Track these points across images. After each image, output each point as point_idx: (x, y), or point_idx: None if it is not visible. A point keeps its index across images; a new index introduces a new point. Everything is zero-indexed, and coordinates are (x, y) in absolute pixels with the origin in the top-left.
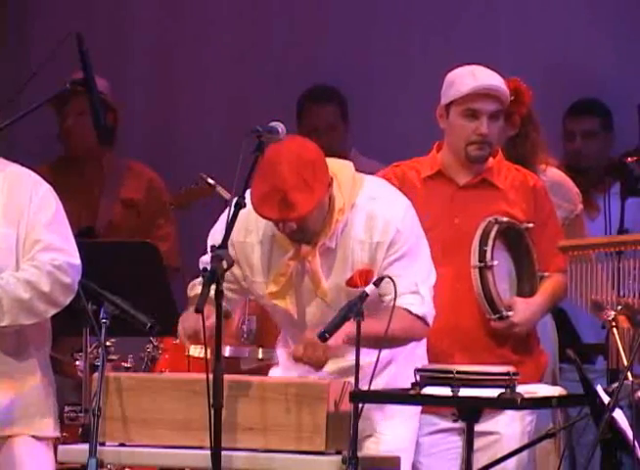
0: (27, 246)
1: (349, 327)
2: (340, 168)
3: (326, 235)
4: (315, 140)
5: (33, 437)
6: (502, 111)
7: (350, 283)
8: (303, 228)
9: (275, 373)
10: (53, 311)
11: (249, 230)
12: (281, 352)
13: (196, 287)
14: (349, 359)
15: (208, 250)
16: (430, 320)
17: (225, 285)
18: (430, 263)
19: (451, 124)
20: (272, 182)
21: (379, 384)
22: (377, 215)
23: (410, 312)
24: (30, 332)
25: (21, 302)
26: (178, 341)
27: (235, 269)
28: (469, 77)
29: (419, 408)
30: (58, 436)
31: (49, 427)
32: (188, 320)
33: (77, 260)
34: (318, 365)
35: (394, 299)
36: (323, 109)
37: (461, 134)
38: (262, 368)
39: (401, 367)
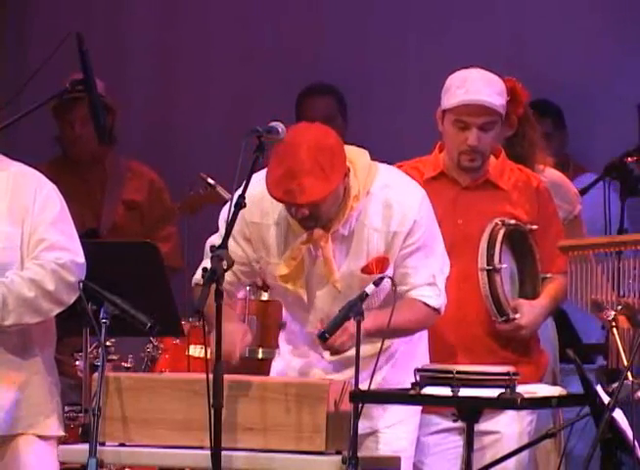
0: (32, 245)
1: (369, 322)
2: (356, 156)
3: (339, 221)
4: None
5: (37, 436)
6: (495, 121)
7: (366, 270)
8: (316, 216)
9: (277, 365)
10: (57, 310)
11: (264, 212)
12: (283, 345)
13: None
14: (351, 350)
15: (207, 253)
16: (443, 310)
17: (237, 267)
18: (444, 254)
19: (445, 131)
20: (288, 164)
21: (377, 379)
22: (393, 204)
23: (427, 305)
24: (35, 332)
25: (25, 300)
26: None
27: (249, 250)
28: (461, 88)
29: (419, 407)
30: (62, 435)
31: (53, 426)
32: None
33: (82, 259)
34: (338, 351)
35: (394, 295)
36: (318, 101)
37: (453, 143)
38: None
39: (402, 363)
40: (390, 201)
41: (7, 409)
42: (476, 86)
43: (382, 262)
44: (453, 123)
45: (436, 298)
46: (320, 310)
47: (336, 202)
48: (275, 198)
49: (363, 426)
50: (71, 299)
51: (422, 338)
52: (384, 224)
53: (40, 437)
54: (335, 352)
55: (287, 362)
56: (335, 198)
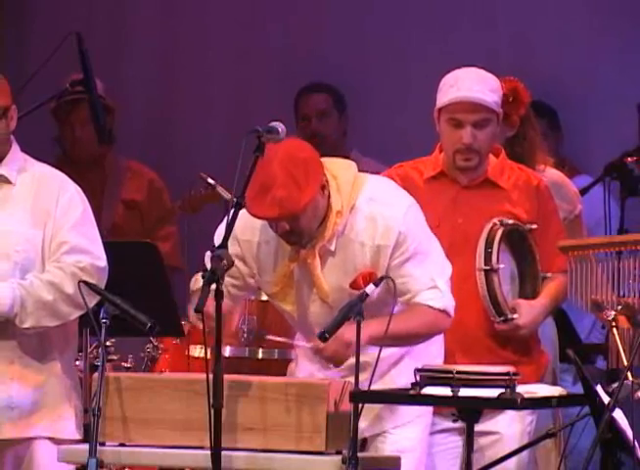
0: (53, 247)
1: (373, 329)
2: (339, 170)
3: (324, 238)
4: (307, 127)
5: (53, 439)
6: (489, 119)
7: (354, 286)
8: (296, 230)
9: (292, 368)
10: (77, 314)
11: (255, 228)
12: (298, 349)
13: (199, 281)
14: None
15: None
16: (451, 311)
17: (229, 280)
18: (442, 256)
19: (441, 130)
20: (262, 180)
21: (387, 381)
22: (377, 218)
23: (431, 308)
24: (54, 335)
25: (44, 303)
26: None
27: (241, 266)
28: (453, 86)
29: (429, 407)
30: (79, 438)
31: (69, 429)
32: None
33: (103, 263)
34: (338, 359)
35: (394, 299)
36: (313, 97)
37: (448, 142)
38: (263, 368)
39: (414, 364)
40: (374, 214)
41: (24, 412)
42: (467, 84)
43: (369, 277)
44: (447, 122)
45: (440, 299)
46: (315, 323)
47: (315, 215)
48: (252, 214)
49: (372, 427)
50: (91, 303)
51: (434, 339)
52: (369, 238)
53: (57, 440)
54: (335, 363)
55: (300, 366)
56: (313, 211)
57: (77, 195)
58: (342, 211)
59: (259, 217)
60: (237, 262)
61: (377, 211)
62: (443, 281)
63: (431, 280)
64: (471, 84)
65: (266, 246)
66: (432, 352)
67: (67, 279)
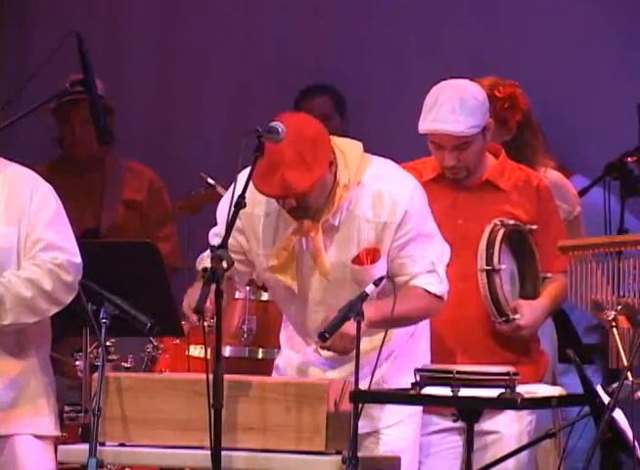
0: (29, 245)
1: (372, 313)
2: (348, 146)
3: (329, 211)
4: None
5: (34, 436)
6: (469, 141)
7: (357, 261)
8: (303, 206)
9: (278, 362)
10: (55, 310)
11: (256, 201)
12: (283, 341)
13: (204, 260)
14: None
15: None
16: (445, 296)
17: (233, 256)
18: (442, 242)
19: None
20: (271, 158)
21: (375, 377)
22: (384, 195)
23: (428, 292)
24: (31, 332)
25: (23, 300)
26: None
27: (241, 239)
28: (431, 112)
29: (419, 407)
30: (58, 435)
31: (49, 426)
32: (195, 295)
33: (78, 259)
34: (344, 352)
35: (395, 288)
36: (314, 100)
37: (435, 157)
38: (263, 368)
39: (402, 362)
40: (381, 191)
41: (3, 409)
42: (442, 112)
43: (372, 253)
44: (430, 142)
45: (438, 284)
46: (312, 300)
47: (323, 191)
48: (260, 191)
49: (363, 426)
50: (69, 299)
51: (422, 335)
52: (374, 215)
53: (37, 436)
54: (339, 353)
55: (286, 359)
56: (321, 188)
57: (51, 193)
58: (348, 185)
59: (267, 195)
60: (237, 236)
61: (384, 188)
62: (442, 266)
63: (430, 264)
64: (446, 113)
65: (267, 218)
66: (421, 348)
67: (44, 276)
